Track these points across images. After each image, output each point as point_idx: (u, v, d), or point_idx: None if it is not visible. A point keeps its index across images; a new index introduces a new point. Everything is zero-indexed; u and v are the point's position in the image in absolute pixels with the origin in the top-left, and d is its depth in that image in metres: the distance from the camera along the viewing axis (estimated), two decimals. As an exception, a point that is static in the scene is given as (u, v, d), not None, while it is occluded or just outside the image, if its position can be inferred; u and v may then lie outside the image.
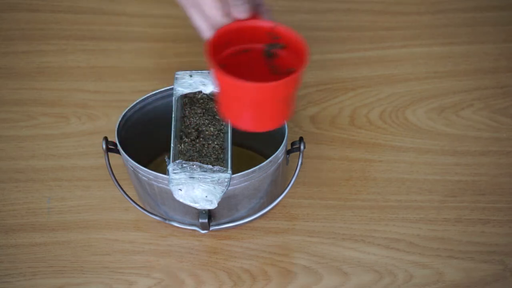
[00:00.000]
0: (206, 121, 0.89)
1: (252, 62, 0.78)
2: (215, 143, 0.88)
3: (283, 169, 0.94)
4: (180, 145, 0.87)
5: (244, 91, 0.74)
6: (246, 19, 0.76)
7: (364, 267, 0.96)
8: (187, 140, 0.88)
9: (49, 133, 1.07)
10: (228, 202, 0.90)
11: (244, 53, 0.78)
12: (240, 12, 0.76)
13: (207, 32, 0.78)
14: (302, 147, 0.92)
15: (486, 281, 0.95)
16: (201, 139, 0.88)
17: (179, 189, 0.83)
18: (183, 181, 0.83)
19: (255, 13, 0.77)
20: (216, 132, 0.88)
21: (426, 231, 0.99)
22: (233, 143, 0.88)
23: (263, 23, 0.76)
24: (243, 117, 0.78)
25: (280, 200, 0.94)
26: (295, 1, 1.20)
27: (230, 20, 0.76)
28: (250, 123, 0.79)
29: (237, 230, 0.99)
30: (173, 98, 0.90)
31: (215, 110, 0.89)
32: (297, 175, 0.94)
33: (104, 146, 0.91)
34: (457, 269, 0.96)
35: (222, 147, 0.87)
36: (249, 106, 0.76)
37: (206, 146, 0.87)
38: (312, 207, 1.01)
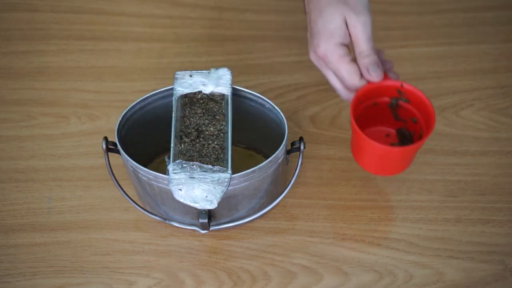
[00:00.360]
0: (206, 121, 0.89)
1: (380, 111, 0.92)
2: (215, 143, 0.88)
3: (283, 169, 0.94)
4: (180, 145, 0.87)
5: (376, 150, 0.87)
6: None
7: (364, 267, 0.96)
8: (187, 140, 0.88)
9: (49, 133, 1.07)
10: (228, 202, 0.90)
11: (373, 105, 0.91)
12: (377, 77, 0.87)
13: (342, 92, 0.89)
14: (302, 147, 0.92)
15: (486, 281, 0.95)
16: (201, 139, 0.88)
17: (179, 189, 0.83)
18: (183, 181, 0.83)
19: (384, 72, 0.89)
20: (216, 132, 0.88)
21: (426, 231, 0.99)
22: (233, 143, 0.88)
23: (393, 82, 0.89)
24: (370, 164, 0.91)
25: (280, 200, 0.94)
26: (295, 1, 1.20)
27: (364, 82, 0.87)
28: (373, 169, 0.92)
29: (237, 230, 0.99)
30: (173, 98, 0.90)
31: (215, 110, 0.89)
32: (297, 175, 0.94)
33: (104, 146, 0.91)
34: (457, 269, 0.96)
35: (222, 147, 0.87)
36: (377, 158, 0.90)
37: (206, 146, 0.87)
38: (312, 207, 1.01)
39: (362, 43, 0.86)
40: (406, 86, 0.89)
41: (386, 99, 0.91)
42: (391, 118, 0.94)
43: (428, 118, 0.89)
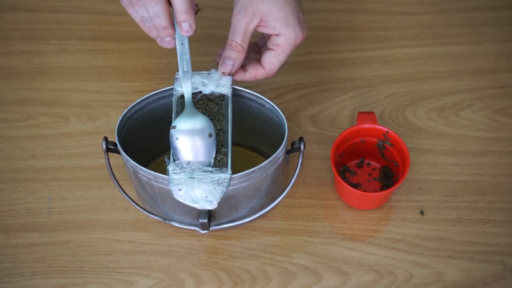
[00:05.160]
0: (206, 121, 0.89)
1: (368, 148, 1.01)
2: (215, 143, 0.88)
3: (283, 169, 0.94)
4: (180, 145, 0.87)
5: (353, 193, 0.96)
6: (366, 123, 0.97)
7: (364, 267, 0.96)
8: (187, 140, 0.88)
9: (49, 133, 1.07)
10: (228, 202, 0.90)
11: (362, 142, 1.00)
12: (222, 70, 0.89)
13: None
14: (302, 147, 0.92)
15: (486, 281, 0.95)
16: (201, 139, 0.88)
17: (179, 189, 0.83)
18: (183, 181, 0.83)
19: None
20: (216, 132, 0.88)
21: (426, 231, 0.99)
22: (233, 143, 0.88)
23: (380, 127, 0.98)
24: (351, 201, 0.99)
25: (280, 200, 0.94)
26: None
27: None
28: (354, 204, 1.00)
29: (237, 230, 0.99)
30: (173, 98, 0.90)
31: (215, 110, 0.89)
32: (297, 175, 0.94)
33: (104, 146, 0.91)
34: (457, 269, 0.96)
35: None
36: (356, 198, 0.98)
37: (206, 146, 0.87)
38: (312, 207, 1.01)
39: (229, 35, 0.88)
40: (391, 132, 0.97)
41: (374, 139, 1.00)
42: (378, 155, 1.02)
43: (404, 167, 0.96)
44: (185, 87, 0.88)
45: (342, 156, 1.00)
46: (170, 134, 0.85)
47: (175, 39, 0.87)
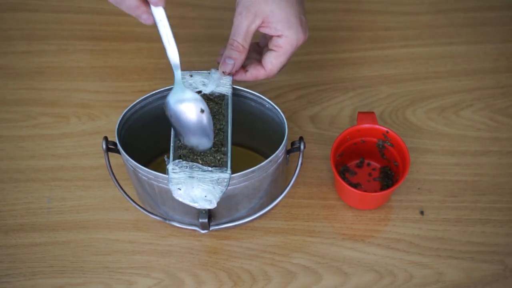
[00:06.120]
0: (206, 121, 0.89)
1: (368, 148, 1.01)
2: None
3: (283, 169, 0.94)
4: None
5: (354, 193, 0.96)
6: (366, 123, 0.97)
7: (364, 267, 0.96)
8: (187, 140, 0.88)
9: (49, 133, 1.07)
10: (228, 202, 0.90)
11: (362, 142, 1.00)
12: (223, 70, 0.89)
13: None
14: (302, 147, 0.92)
15: (486, 281, 0.95)
16: (201, 139, 0.88)
17: (178, 189, 0.83)
18: (182, 180, 0.83)
19: None
20: (216, 132, 0.88)
21: (426, 231, 0.99)
22: (233, 143, 0.88)
23: (380, 127, 0.98)
24: (351, 201, 0.99)
25: (280, 200, 0.94)
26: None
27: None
28: (355, 204, 1.00)
29: (237, 230, 0.99)
30: (173, 98, 0.90)
31: (215, 110, 0.89)
32: (297, 175, 0.94)
33: (104, 146, 0.91)
34: (457, 269, 0.96)
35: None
36: (357, 198, 0.98)
37: (206, 146, 0.87)
38: (312, 207, 1.01)
39: (231, 34, 0.88)
40: (391, 132, 0.97)
41: (374, 139, 1.00)
42: (378, 155, 1.02)
43: (404, 167, 0.96)
44: (172, 62, 0.87)
45: (342, 156, 1.00)
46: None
47: (152, 15, 0.86)
